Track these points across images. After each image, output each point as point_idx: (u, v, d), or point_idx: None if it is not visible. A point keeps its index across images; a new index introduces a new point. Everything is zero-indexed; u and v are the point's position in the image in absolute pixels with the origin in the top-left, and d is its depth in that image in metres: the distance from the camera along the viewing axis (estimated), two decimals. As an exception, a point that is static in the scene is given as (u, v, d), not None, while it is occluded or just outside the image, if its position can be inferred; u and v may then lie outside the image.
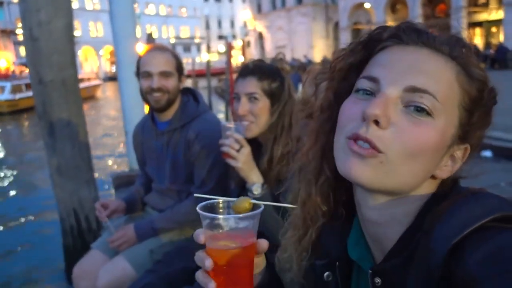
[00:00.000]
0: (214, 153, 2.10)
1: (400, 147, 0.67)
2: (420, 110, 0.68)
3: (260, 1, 52.62)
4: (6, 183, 9.16)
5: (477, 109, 0.72)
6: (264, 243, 0.82)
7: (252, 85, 1.73)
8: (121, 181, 4.73)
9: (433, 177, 0.73)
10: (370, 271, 0.74)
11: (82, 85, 28.96)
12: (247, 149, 1.66)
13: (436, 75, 0.69)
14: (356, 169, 0.69)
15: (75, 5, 58.99)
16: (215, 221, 0.77)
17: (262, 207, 0.79)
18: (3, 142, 15.00)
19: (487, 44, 24.73)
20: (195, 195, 0.91)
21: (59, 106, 3.45)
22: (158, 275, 1.97)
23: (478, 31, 30.21)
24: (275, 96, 1.73)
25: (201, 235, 0.78)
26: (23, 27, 3.37)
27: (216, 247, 0.77)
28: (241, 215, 0.77)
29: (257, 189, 1.66)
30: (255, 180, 1.67)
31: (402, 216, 0.73)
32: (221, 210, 0.81)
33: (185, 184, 2.26)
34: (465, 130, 0.72)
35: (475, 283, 0.53)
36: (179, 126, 2.23)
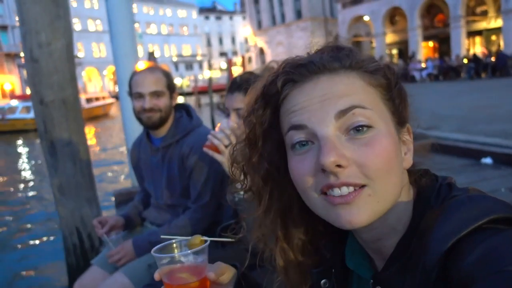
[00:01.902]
0: (208, 166, 2.14)
1: (374, 172, 0.66)
2: (359, 129, 0.67)
3: (260, 17, 53.13)
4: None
5: (394, 92, 0.74)
6: (211, 276, 0.83)
7: (239, 101, 1.76)
8: (123, 198, 4.76)
9: None
10: (371, 280, 0.74)
11: (97, 103, 30.02)
12: None
13: (348, 90, 0.69)
14: (352, 218, 0.67)
15: (77, 27, 59.85)
16: (166, 260, 0.84)
17: (208, 241, 0.86)
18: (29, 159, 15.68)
19: (488, 52, 24.74)
20: (162, 236, 0.96)
21: (60, 125, 3.50)
22: (156, 289, 1.98)
23: (478, 39, 30.30)
24: None
25: (156, 274, 0.83)
26: (24, 49, 3.44)
27: (174, 282, 0.83)
28: (189, 250, 0.84)
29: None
30: None
31: (395, 224, 0.73)
32: (176, 250, 0.88)
33: (181, 199, 2.28)
34: (398, 115, 0.74)
35: (471, 282, 0.53)
36: (173, 141, 2.26)
